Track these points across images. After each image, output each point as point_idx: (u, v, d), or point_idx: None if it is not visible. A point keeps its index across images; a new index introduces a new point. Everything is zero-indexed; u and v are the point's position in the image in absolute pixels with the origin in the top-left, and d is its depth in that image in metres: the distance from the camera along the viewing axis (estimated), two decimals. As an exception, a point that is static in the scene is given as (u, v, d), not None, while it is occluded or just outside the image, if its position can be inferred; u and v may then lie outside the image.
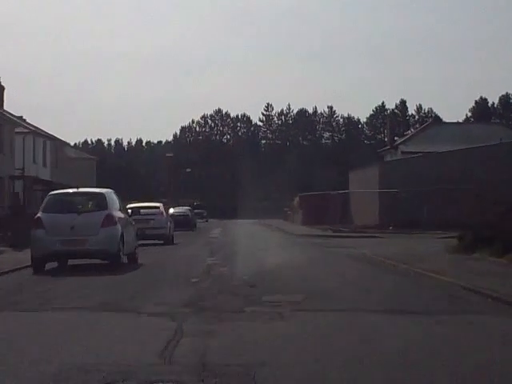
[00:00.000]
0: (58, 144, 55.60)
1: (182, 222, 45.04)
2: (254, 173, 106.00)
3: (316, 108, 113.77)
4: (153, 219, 26.68)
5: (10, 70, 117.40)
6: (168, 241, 28.10)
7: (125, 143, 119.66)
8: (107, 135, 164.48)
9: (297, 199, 60.40)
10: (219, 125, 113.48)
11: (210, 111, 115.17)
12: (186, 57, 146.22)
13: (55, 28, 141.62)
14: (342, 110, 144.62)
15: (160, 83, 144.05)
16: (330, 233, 37.97)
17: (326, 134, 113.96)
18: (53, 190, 18.92)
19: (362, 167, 51.98)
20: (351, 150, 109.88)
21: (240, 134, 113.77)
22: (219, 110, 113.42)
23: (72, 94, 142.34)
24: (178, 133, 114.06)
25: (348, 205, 49.73)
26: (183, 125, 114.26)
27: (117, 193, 18.04)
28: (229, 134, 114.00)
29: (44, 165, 49.92)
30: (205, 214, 79.04)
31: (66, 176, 58.02)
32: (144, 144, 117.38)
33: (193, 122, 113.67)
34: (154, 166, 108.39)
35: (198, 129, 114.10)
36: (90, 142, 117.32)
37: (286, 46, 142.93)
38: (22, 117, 50.47)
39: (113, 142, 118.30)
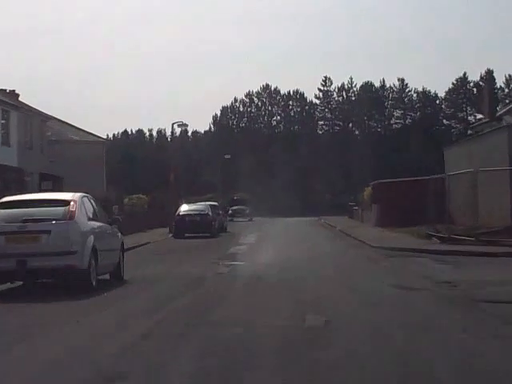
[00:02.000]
0: (38, 120, 42.16)
1: (197, 225, 31.36)
2: (311, 160, 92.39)
3: (384, 81, 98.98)
4: (46, 232, 12.04)
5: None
6: (84, 279, 12.41)
7: (168, 133, 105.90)
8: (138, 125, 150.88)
9: (368, 190, 45.46)
10: (267, 103, 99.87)
11: (255, 87, 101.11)
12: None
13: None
14: (415, 83, 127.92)
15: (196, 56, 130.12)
16: (435, 242, 23.17)
17: (397, 113, 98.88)
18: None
19: (470, 139, 36.65)
20: (427, 130, 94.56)
21: (292, 113, 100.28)
22: (267, 86, 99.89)
23: (101, 82, 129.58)
24: (219, 114, 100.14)
25: (447, 195, 34.39)
26: (224, 104, 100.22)
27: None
28: (279, 114, 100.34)
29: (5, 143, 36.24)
30: (247, 212, 65.18)
31: (60, 164, 46.39)
32: (190, 134, 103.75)
33: (235, 100, 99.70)
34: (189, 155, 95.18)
35: (241, 108, 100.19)
36: (129, 132, 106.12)
37: (344, 6, 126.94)
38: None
39: (154, 133, 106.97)
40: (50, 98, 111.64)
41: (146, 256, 21.57)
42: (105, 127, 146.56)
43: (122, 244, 14.89)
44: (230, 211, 65.97)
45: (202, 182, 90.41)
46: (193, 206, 34.88)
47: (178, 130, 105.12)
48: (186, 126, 40.60)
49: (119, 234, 14.76)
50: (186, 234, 33.21)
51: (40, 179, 42.53)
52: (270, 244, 26.40)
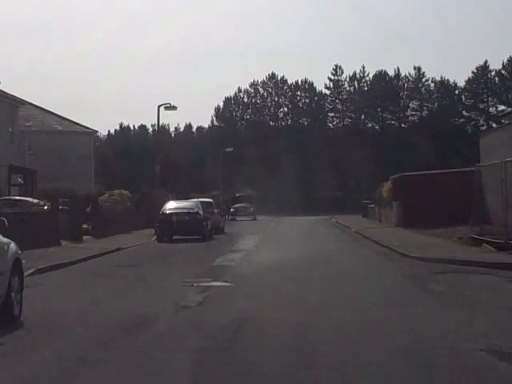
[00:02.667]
0: (7, 105, 36.99)
1: (185, 226, 26.14)
2: (320, 155, 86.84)
3: (399, 70, 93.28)
4: None
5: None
6: None
7: (172, 129, 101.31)
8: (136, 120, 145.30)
9: (387, 186, 40.00)
10: (273, 94, 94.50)
11: (261, 77, 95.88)
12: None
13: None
14: (432, 72, 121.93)
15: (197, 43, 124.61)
16: (489, 251, 17.94)
17: (413, 104, 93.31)
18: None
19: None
20: (446, 123, 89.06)
21: (300, 104, 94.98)
22: (273, 75, 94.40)
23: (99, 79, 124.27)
24: (221, 105, 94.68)
25: (484, 189, 28.94)
26: (227, 95, 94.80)
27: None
28: (286, 105, 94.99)
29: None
30: (251, 210, 60.22)
31: (41, 156, 43.29)
32: (194, 130, 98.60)
33: (239, 90, 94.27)
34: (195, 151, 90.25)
35: (246, 99, 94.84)
36: (132, 128, 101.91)
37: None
38: None
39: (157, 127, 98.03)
40: (50, 93, 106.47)
41: (98, 271, 16.20)
42: (106, 122, 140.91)
43: (16, 263, 9.38)
44: (231, 209, 61.02)
45: (205, 180, 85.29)
46: (181, 203, 29.49)
47: (171, 124, 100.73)
48: (175, 108, 35.09)
49: (11, 248, 9.23)
50: (174, 237, 28.03)
51: (9, 172, 37.32)
52: (272, 251, 21.09)
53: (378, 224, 41.75)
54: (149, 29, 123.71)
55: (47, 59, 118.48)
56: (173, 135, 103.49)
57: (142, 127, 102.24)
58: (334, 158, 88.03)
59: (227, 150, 70.96)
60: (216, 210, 34.43)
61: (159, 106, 34.73)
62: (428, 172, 34.79)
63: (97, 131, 53.30)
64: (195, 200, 30.49)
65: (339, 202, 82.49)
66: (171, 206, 29.00)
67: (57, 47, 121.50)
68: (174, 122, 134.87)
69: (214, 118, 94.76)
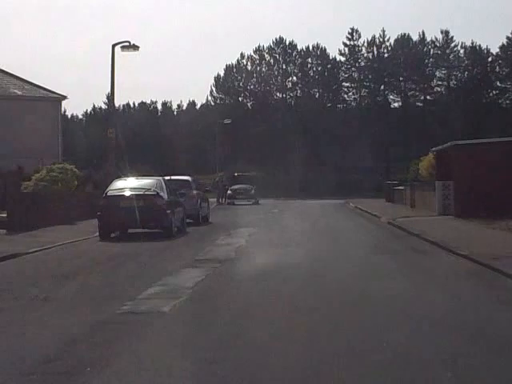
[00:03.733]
0: None
1: (139, 215, 17.02)
2: (334, 130, 77.85)
3: (424, 34, 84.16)
4: None
5: None
6: None
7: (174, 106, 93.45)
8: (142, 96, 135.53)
9: (427, 160, 30.88)
10: (281, 61, 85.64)
11: (266, 41, 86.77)
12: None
13: None
14: (462, 37, 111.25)
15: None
16: None
17: (440, 73, 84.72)
18: None
19: None
20: (478, 95, 79.92)
21: (312, 73, 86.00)
22: (280, 40, 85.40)
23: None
24: (222, 74, 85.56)
25: None
26: (229, 62, 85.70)
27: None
28: (295, 73, 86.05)
29: None
30: (252, 192, 51.84)
31: None
32: (198, 107, 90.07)
33: (242, 56, 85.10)
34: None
35: (249, 67, 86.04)
36: (131, 105, 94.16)
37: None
38: None
39: (159, 106, 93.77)
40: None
41: None
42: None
43: None
44: (229, 191, 52.16)
45: (203, 160, 76.89)
46: (133, 183, 20.18)
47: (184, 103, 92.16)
48: (136, 48, 25.77)
49: None
50: (130, 230, 19.29)
51: None
52: (266, 266, 12.08)
53: (412, 211, 32.64)
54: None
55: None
56: (175, 113, 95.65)
57: (142, 104, 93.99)
58: (349, 133, 79.00)
59: (225, 121, 61.94)
60: (195, 192, 25.34)
61: (114, 46, 25.39)
62: (495, 140, 25.56)
63: (65, 97, 44.25)
64: (157, 178, 21.15)
65: (354, 183, 74.09)
66: (119, 185, 19.86)
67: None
68: (176, 99, 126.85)
69: (214, 89, 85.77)
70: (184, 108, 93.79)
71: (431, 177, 30.33)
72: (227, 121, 63.11)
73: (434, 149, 29.89)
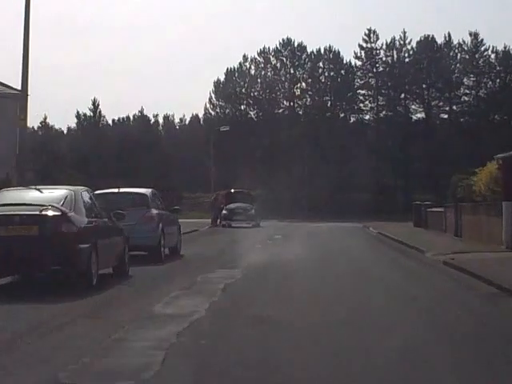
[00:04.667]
0: None
1: (34, 250, 8.75)
2: (349, 143, 70.54)
3: (450, 36, 77.26)
4: None
5: None
6: None
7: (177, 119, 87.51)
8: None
9: (487, 172, 22.78)
10: (289, 65, 78.53)
11: (272, 43, 79.55)
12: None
13: None
14: (493, 40, 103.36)
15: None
16: None
17: (468, 80, 77.13)
18: None
19: None
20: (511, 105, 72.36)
21: (323, 79, 78.60)
22: (288, 42, 78.31)
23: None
24: (222, 79, 78.11)
25: None
26: (230, 66, 78.42)
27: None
28: (304, 79, 78.80)
29: None
30: (252, 212, 44.76)
31: None
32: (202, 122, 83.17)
33: (245, 59, 77.64)
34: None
35: (253, 71, 79.06)
36: (131, 118, 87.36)
37: None
38: None
39: (161, 119, 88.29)
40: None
41: None
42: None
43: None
44: (224, 211, 44.66)
45: (199, 176, 69.66)
46: (24, 195, 11.97)
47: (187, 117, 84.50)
48: None
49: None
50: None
51: None
52: None
53: (462, 242, 24.66)
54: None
55: None
56: (177, 127, 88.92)
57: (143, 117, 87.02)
58: (365, 147, 71.56)
59: (222, 129, 54.32)
60: (155, 212, 17.27)
61: None
62: None
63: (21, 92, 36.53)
64: (75, 188, 12.86)
65: (371, 204, 66.85)
66: (3, 199, 11.84)
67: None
68: (179, 112, 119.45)
69: (213, 95, 78.12)
70: (187, 122, 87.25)
71: (493, 194, 22.32)
72: (224, 128, 55.51)
73: (500, 156, 21.77)
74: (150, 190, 18.15)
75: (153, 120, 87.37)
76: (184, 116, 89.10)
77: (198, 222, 47.55)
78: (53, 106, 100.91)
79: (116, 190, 17.60)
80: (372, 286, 12.83)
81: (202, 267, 15.52)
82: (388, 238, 29.28)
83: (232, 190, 47.99)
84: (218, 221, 45.04)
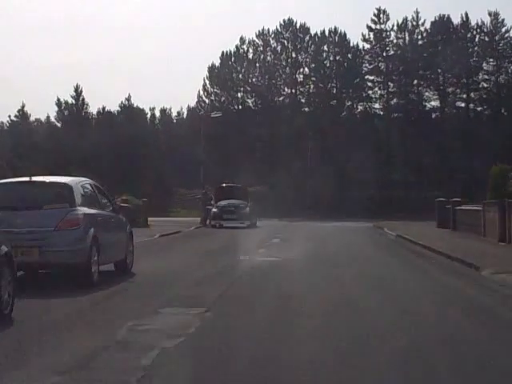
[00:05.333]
0: None
1: None
2: (356, 134, 65.89)
3: (467, 16, 73.32)
4: None
5: None
6: None
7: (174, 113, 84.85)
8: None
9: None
10: (290, 48, 73.32)
11: (272, 24, 74.61)
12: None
13: None
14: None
15: None
16: None
17: (487, 64, 72.96)
18: None
19: None
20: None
21: (328, 63, 73.11)
22: (290, 23, 73.37)
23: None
24: (217, 63, 72.66)
25: None
26: (225, 49, 73.32)
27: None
28: (307, 64, 73.45)
29: None
30: (246, 210, 39.32)
31: None
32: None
33: (242, 42, 72.40)
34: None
35: (251, 54, 73.90)
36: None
37: None
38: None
39: (157, 112, 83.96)
40: None
41: None
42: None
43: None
44: (213, 210, 39.36)
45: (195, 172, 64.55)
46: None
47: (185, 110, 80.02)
48: None
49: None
50: None
51: None
52: None
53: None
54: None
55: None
56: (174, 121, 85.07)
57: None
58: (373, 138, 67.27)
59: (213, 115, 48.79)
60: (81, 213, 11.48)
61: None
62: None
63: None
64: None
65: (380, 201, 62.16)
66: None
67: None
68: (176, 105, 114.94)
69: (207, 82, 72.56)
70: (185, 115, 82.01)
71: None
72: (216, 114, 50.01)
73: None
74: (78, 180, 12.45)
75: (149, 114, 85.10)
76: (182, 109, 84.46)
77: (187, 222, 42.33)
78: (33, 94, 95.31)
79: (26, 179, 12.00)
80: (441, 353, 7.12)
81: (143, 301, 9.86)
82: (414, 244, 23.63)
83: (223, 185, 42.43)
84: (208, 220, 39.66)
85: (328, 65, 72.46)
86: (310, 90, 72.49)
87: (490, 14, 71.78)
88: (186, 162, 68.02)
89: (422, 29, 71.68)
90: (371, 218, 47.52)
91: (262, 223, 41.05)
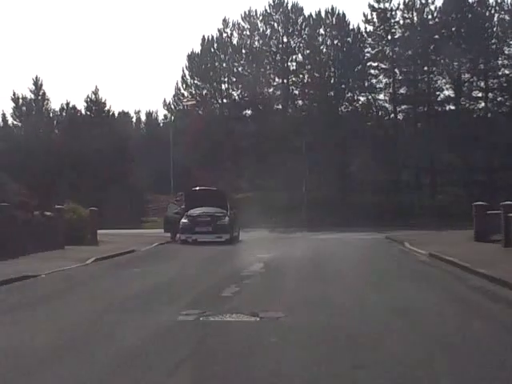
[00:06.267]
0: None
1: None
2: (357, 129, 59.87)
3: None
4: None
5: None
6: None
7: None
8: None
9: None
10: (281, 32, 66.01)
11: (261, 4, 68.82)
12: None
13: None
14: None
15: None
16: None
17: (509, 49, 65.30)
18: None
19: None
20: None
21: (324, 49, 65.77)
22: (280, 2, 66.27)
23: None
24: (198, 50, 65.46)
25: None
26: (207, 34, 66.85)
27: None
28: (300, 49, 66.29)
29: None
30: (225, 221, 32.15)
31: None
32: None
33: (226, 24, 65.31)
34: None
35: (236, 39, 67.12)
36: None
37: None
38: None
39: (143, 116, 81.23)
40: None
41: None
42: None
43: None
44: (183, 220, 31.94)
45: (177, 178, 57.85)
46: None
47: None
48: None
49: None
50: None
51: None
52: None
53: None
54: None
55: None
56: (161, 125, 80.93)
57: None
58: (379, 134, 61.22)
59: (186, 101, 41.36)
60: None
61: None
62: None
63: None
64: None
65: (390, 207, 55.54)
66: None
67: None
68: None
69: (187, 72, 64.90)
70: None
71: None
72: (190, 101, 42.41)
73: None
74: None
75: (134, 117, 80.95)
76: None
77: (154, 235, 34.80)
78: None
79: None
80: None
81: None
82: (469, 273, 15.67)
83: (197, 188, 34.57)
84: (178, 235, 32.02)
85: (324, 51, 64.94)
86: (304, 80, 64.98)
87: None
88: (164, 165, 61.24)
89: (433, 7, 64.25)
90: (378, 226, 42.71)
91: (248, 236, 34.25)
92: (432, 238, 31.42)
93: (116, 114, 74.73)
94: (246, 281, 14.41)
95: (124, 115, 78.45)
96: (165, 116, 76.08)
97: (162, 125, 78.89)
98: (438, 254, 20.71)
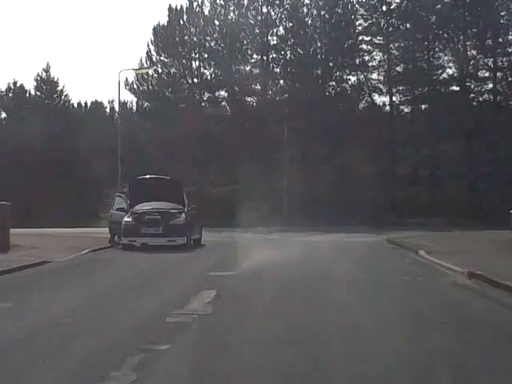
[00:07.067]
0: None
1: None
2: (346, 116, 53.74)
3: None
4: None
5: None
6: None
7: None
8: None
9: None
10: (260, 1, 59.02)
11: None
12: None
13: None
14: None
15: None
16: None
17: None
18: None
19: None
20: None
21: (310, 21, 59.51)
22: None
23: None
24: (164, 22, 59.23)
25: None
26: (174, 4, 60.82)
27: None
28: (283, 22, 59.73)
29: None
30: (180, 219, 25.74)
31: None
32: None
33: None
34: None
35: (207, 9, 59.90)
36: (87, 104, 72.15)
37: None
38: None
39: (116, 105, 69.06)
40: None
41: None
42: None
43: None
44: (127, 218, 25.33)
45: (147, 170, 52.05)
46: None
47: None
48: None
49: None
50: None
51: None
52: None
53: None
54: None
55: None
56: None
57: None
58: (372, 119, 55.20)
59: (138, 71, 34.04)
60: None
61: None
62: None
63: None
64: None
65: (386, 204, 52.01)
66: None
67: None
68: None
69: (152, 48, 58.22)
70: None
71: None
72: (144, 70, 36.19)
73: None
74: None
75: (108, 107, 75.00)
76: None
77: (98, 235, 28.72)
78: None
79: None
80: None
81: None
82: None
83: (146, 177, 28.09)
84: (116, 237, 25.56)
85: (310, 22, 58.70)
86: (287, 57, 58.79)
87: (522, -45, 58.07)
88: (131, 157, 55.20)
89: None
90: (374, 226, 39.50)
91: (215, 237, 28.18)
92: (448, 241, 26.02)
93: (86, 105, 69.34)
94: (162, 346, 7.46)
95: (98, 105, 72.46)
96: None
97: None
98: (484, 273, 14.00)
